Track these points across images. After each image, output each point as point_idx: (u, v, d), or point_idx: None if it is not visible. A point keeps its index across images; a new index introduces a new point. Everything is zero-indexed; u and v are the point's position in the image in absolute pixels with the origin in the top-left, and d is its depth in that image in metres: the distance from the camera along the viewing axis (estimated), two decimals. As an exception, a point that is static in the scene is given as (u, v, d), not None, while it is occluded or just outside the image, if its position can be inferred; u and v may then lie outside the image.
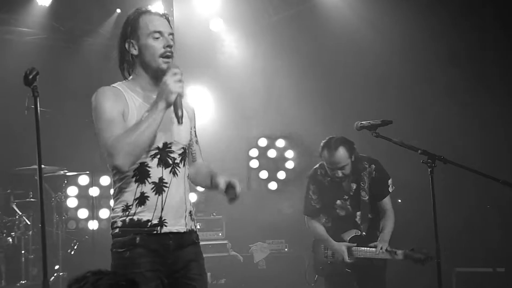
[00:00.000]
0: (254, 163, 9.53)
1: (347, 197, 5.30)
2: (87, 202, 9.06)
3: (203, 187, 3.52)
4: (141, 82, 3.25)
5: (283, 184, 9.52)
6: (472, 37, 7.21)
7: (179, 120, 3.09)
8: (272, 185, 9.55)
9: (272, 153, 9.60)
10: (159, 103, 3.05)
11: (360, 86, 8.06)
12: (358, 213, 5.30)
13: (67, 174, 8.14)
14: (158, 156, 3.17)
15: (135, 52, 3.23)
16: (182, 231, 3.22)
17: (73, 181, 8.98)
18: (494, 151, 7.00)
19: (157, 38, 3.20)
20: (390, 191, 5.26)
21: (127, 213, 3.14)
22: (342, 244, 5.25)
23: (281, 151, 9.64)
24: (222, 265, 7.92)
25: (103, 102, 3.11)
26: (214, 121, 9.11)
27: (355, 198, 5.28)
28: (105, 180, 9.03)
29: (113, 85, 3.24)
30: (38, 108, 3.04)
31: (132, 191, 3.15)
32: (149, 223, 3.13)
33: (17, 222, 7.51)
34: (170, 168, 3.20)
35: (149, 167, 3.15)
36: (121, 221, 3.15)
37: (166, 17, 3.32)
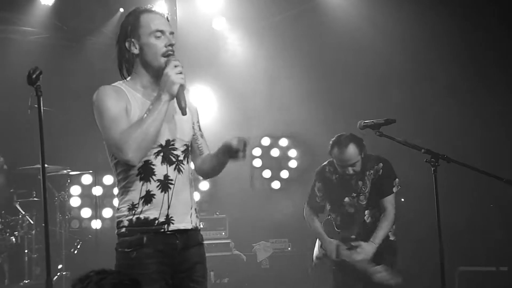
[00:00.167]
0: (257, 162, 9.53)
1: (355, 194, 5.30)
2: (90, 202, 9.07)
3: (212, 171, 3.44)
4: (142, 81, 3.25)
5: (286, 183, 9.52)
6: (473, 37, 7.21)
7: (183, 111, 3.10)
8: (275, 184, 9.56)
9: (275, 152, 9.61)
10: (162, 95, 3.06)
11: (362, 85, 8.06)
12: (367, 211, 5.29)
13: (70, 173, 8.14)
14: (162, 154, 3.17)
15: (136, 51, 3.22)
16: (189, 227, 3.22)
17: (76, 180, 8.99)
18: (495, 150, 7.00)
19: (159, 37, 3.20)
20: (394, 191, 5.25)
21: (133, 212, 3.13)
22: (333, 242, 5.27)
23: (284, 150, 9.64)
24: (225, 264, 7.92)
25: (105, 100, 3.11)
26: (217, 121, 9.11)
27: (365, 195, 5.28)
28: (108, 179, 9.05)
29: (113, 84, 3.24)
30: (42, 108, 3.05)
31: (138, 189, 3.14)
32: (156, 221, 3.12)
33: (20, 222, 7.52)
34: (174, 165, 3.20)
35: (153, 165, 3.15)
36: (127, 220, 3.14)
37: (166, 16, 3.32)
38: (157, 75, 3.19)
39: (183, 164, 3.24)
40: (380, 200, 5.26)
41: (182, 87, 3.10)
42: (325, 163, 5.47)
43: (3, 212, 7.46)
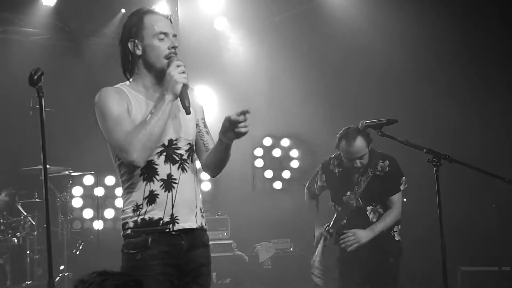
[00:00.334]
0: (259, 163, 9.53)
1: (357, 188, 5.28)
2: (92, 202, 9.08)
3: (217, 162, 3.37)
4: (144, 82, 3.23)
5: (288, 183, 9.52)
6: (473, 37, 7.22)
7: (187, 110, 3.09)
8: (277, 185, 9.56)
9: (277, 152, 9.61)
10: (165, 95, 3.06)
11: (363, 85, 8.07)
12: (369, 207, 5.27)
13: (72, 174, 8.15)
14: (164, 153, 3.16)
15: (139, 52, 3.20)
16: (194, 227, 3.20)
17: (78, 181, 9.00)
18: (495, 150, 7.00)
19: (162, 39, 3.19)
20: (402, 189, 5.22)
21: (138, 212, 3.12)
22: (321, 232, 5.27)
23: (286, 150, 9.64)
24: (227, 265, 7.92)
25: (108, 102, 3.10)
26: (219, 120, 9.07)
27: (366, 191, 5.25)
28: (110, 180, 9.06)
29: (115, 86, 3.23)
30: (43, 109, 3.04)
31: (141, 190, 3.13)
32: (161, 221, 3.11)
33: (22, 223, 7.54)
34: (178, 164, 3.18)
35: (156, 164, 3.13)
36: (132, 221, 3.13)
37: (169, 18, 3.31)
38: (159, 76, 3.18)
39: (188, 163, 3.23)
40: (387, 198, 5.22)
41: (185, 86, 3.10)
42: (332, 155, 5.47)
43: (5, 213, 7.47)
